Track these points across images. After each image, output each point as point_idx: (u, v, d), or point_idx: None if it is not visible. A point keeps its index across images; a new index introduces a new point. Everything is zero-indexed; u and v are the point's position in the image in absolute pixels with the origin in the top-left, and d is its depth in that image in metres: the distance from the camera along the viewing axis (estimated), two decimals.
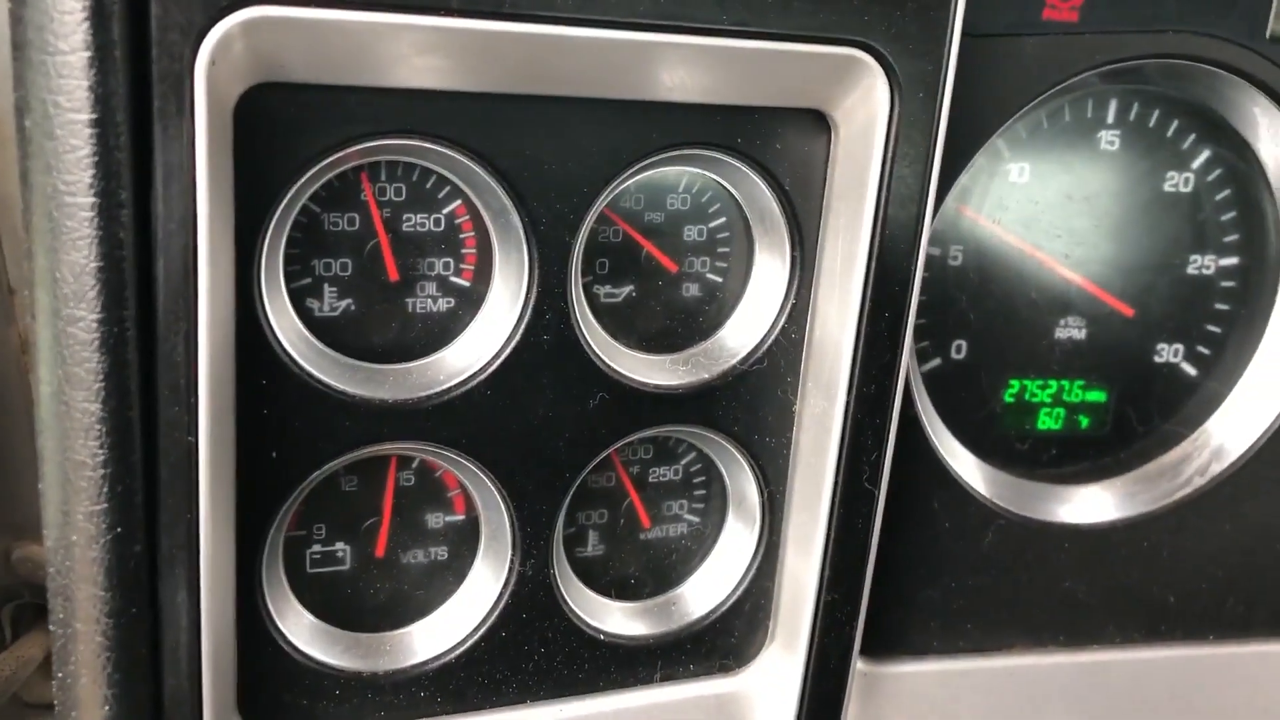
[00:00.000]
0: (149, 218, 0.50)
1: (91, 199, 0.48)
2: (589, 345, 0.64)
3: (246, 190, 0.55)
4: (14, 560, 0.93)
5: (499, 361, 0.62)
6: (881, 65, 0.60)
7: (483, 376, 0.62)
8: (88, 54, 0.46)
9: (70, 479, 0.51)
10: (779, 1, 0.57)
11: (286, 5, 0.49)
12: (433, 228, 0.63)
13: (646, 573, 0.74)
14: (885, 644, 0.77)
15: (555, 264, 0.62)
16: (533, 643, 0.68)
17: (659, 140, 0.62)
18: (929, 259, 0.75)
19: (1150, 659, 0.81)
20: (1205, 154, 0.77)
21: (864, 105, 0.62)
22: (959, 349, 0.77)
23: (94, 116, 0.47)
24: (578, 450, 0.66)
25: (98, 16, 0.46)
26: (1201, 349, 0.81)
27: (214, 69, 0.49)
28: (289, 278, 0.60)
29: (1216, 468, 0.79)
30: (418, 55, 0.54)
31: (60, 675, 0.55)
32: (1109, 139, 0.76)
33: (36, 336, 0.51)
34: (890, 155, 0.62)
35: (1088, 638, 0.80)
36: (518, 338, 0.62)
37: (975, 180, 0.74)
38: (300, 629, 0.64)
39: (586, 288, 0.67)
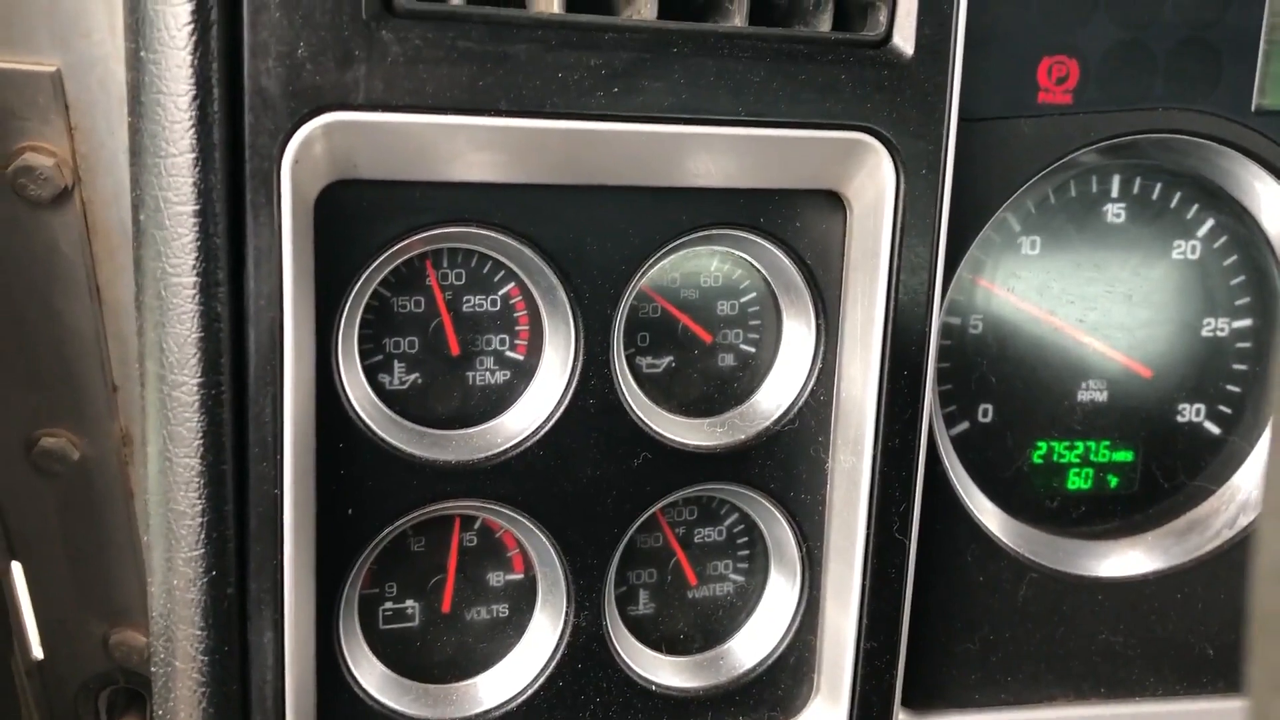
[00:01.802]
0: (242, 295, 0.57)
1: (194, 278, 0.56)
2: (631, 409, 0.70)
3: (325, 274, 0.63)
4: (111, 645, 1.00)
5: (550, 424, 0.69)
6: (886, 147, 0.67)
7: (536, 438, 0.68)
8: (193, 155, 0.55)
9: (172, 528, 0.58)
10: (788, 93, 0.65)
11: (357, 111, 0.58)
12: (489, 308, 0.70)
13: (695, 628, 0.78)
14: (927, 696, 0.80)
15: (599, 335, 0.69)
16: (589, 693, 0.73)
17: (688, 222, 0.69)
18: (950, 328, 0.80)
19: (1194, 711, 0.83)
20: (1209, 223, 0.83)
21: (872, 184, 0.68)
22: (985, 413, 0.82)
23: (196, 208, 0.55)
24: (625, 506, 0.71)
25: (201, 124, 0.55)
26: (1223, 408, 0.85)
27: (297, 166, 0.57)
28: (364, 354, 0.67)
29: (1244, 520, 0.82)
30: (472, 152, 0.62)
31: (160, 713, 0.61)
32: (1115, 211, 0.82)
33: (144, 402, 0.58)
34: (899, 228, 0.68)
35: (1129, 690, 0.82)
36: (566, 402, 0.69)
37: (989, 254, 0.80)
38: (374, 678, 0.69)
39: (630, 359, 0.73)
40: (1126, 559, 0.83)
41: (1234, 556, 0.82)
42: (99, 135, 0.78)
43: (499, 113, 0.60)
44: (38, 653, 1.00)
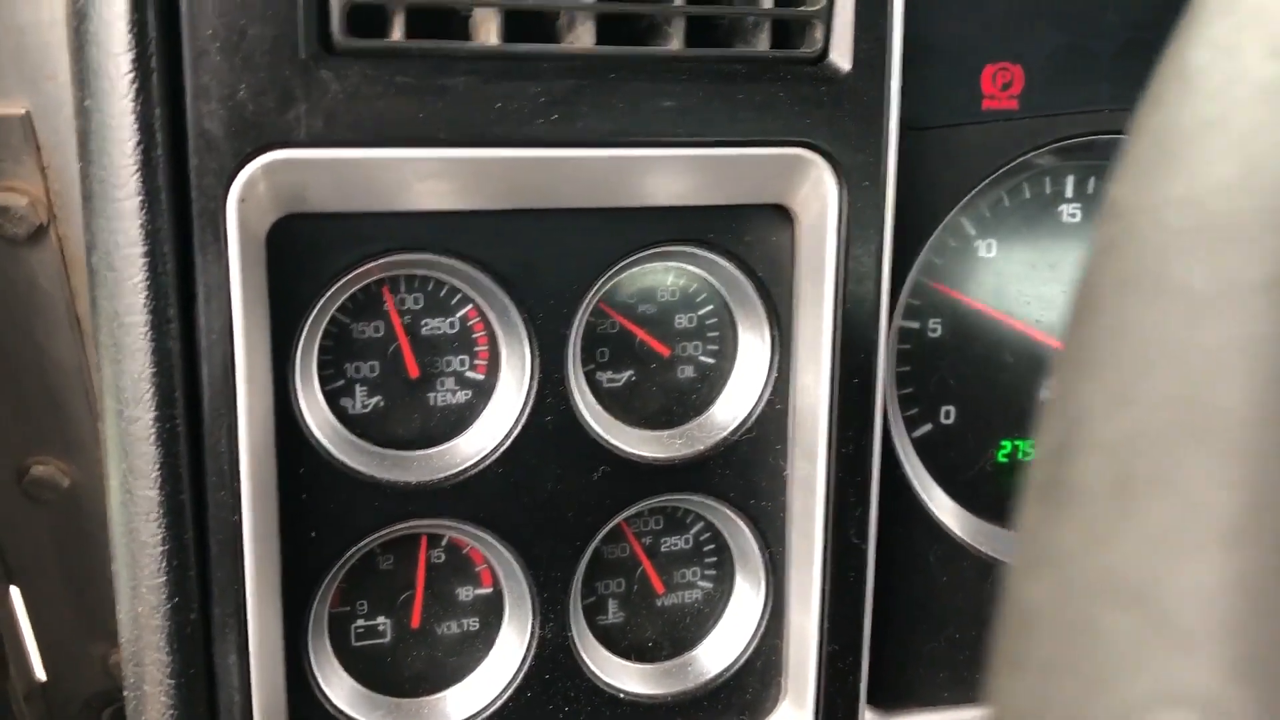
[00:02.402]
0: (194, 331, 0.60)
1: (145, 317, 0.58)
2: (589, 424, 0.72)
3: (280, 305, 0.65)
4: (111, 664, 1.03)
5: (508, 443, 0.70)
6: (827, 161, 0.68)
7: (495, 457, 0.70)
8: (139, 199, 0.57)
9: (135, 557, 0.60)
10: (727, 113, 0.66)
11: (299, 148, 0.59)
12: (448, 330, 0.72)
13: (663, 636, 0.80)
14: (895, 696, 0.81)
15: (554, 354, 0.70)
16: (557, 702, 0.74)
17: (638, 241, 0.70)
18: (909, 333, 0.81)
19: None
20: None
21: (816, 197, 0.70)
22: (947, 414, 0.83)
23: (144, 249, 0.57)
24: (586, 520, 0.73)
25: (146, 168, 0.57)
26: None
27: (243, 204, 0.59)
28: (326, 379, 0.69)
29: None
30: (418, 182, 0.64)
31: None
32: (1070, 211, 0.83)
33: (105, 437, 0.61)
34: (844, 239, 0.70)
35: None
36: (524, 420, 0.70)
37: (945, 258, 0.81)
38: (345, 695, 0.71)
39: (590, 374, 0.75)
40: None
41: None
42: (71, 173, 0.80)
43: (440, 143, 0.62)
44: (41, 674, 1.03)
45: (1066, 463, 0.21)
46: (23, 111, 0.78)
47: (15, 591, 0.97)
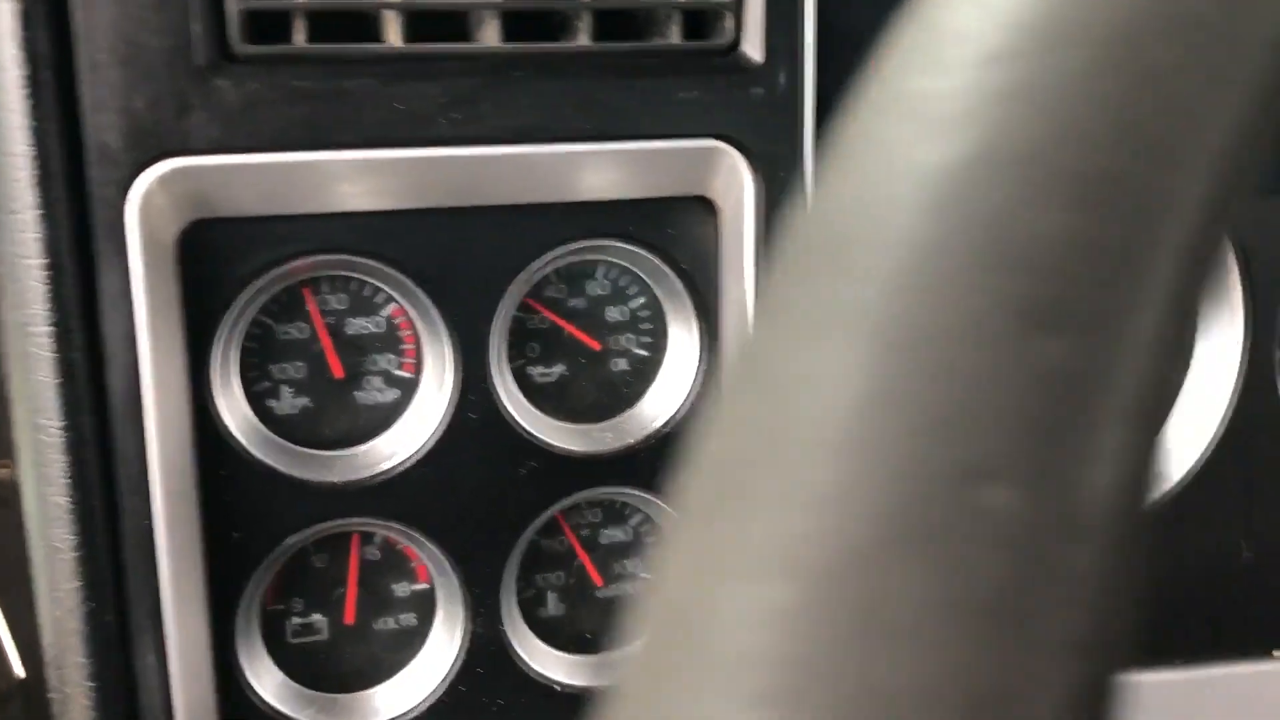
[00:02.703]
0: (99, 341, 0.60)
1: (48, 328, 0.59)
2: (514, 420, 0.72)
3: (195, 310, 0.65)
4: None
5: (432, 441, 0.71)
6: (741, 152, 0.68)
7: (419, 455, 0.71)
8: (37, 211, 0.58)
9: (50, 562, 0.62)
10: (635, 107, 0.66)
11: (198, 155, 0.60)
12: (374, 329, 0.72)
13: (602, 628, 0.80)
14: None
15: (476, 351, 0.70)
16: (490, 695, 0.75)
17: (557, 236, 0.70)
18: None
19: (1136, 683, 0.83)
20: None
21: (733, 189, 0.69)
22: None
23: (45, 262, 0.58)
24: (514, 515, 0.73)
25: (43, 181, 0.57)
26: None
27: (145, 213, 0.60)
28: (253, 380, 0.70)
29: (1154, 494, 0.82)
30: (326, 185, 0.64)
31: None
32: None
33: (18, 445, 0.61)
34: (763, 230, 0.69)
35: None
36: (448, 419, 0.71)
37: None
38: (275, 692, 0.72)
39: (520, 369, 0.75)
40: None
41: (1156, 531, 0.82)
42: None
43: (341, 146, 0.62)
44: (20, 671, 1.05)
45: (682, 479, 0.21)
46: None
47: None
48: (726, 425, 0.21)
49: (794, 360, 0.20)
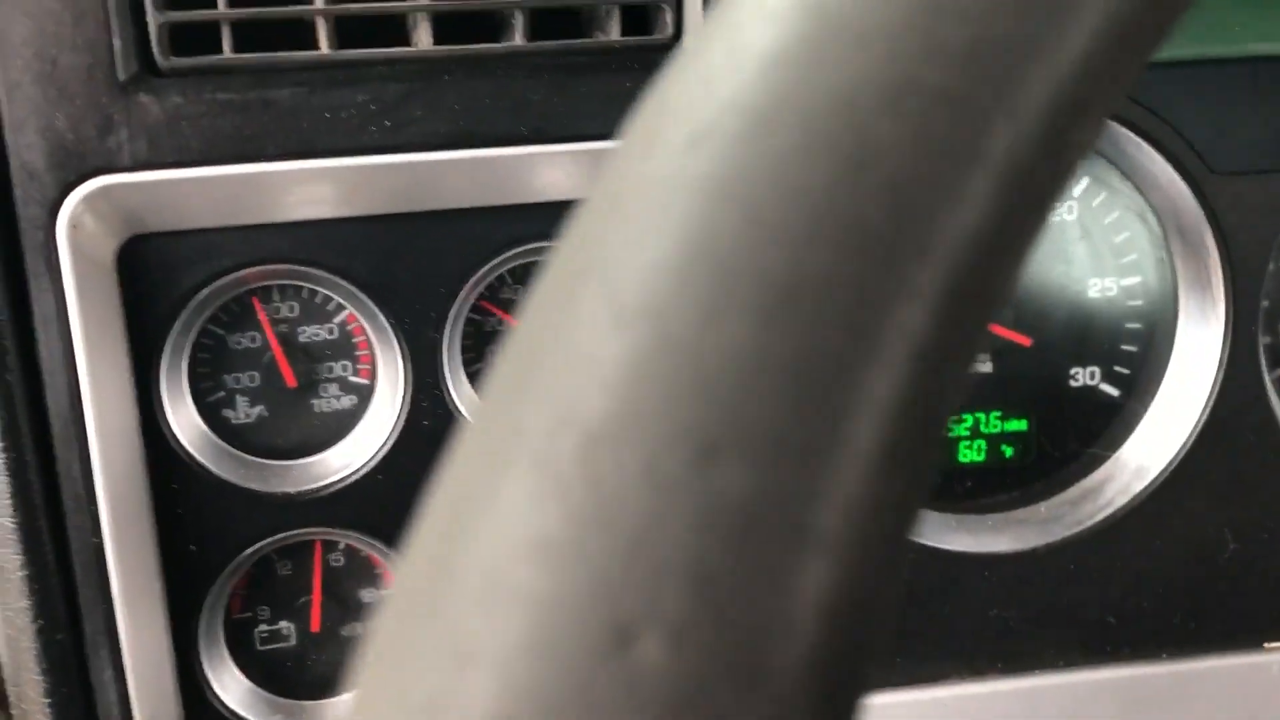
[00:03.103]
0: (36, 362, 0.60)
1: None
2: None
3: (140, 324, 0.65)
4: None
5: (385, 450, 0.70)
6: None
7: (372, 464, 0.70)
8: None
9: (1, 582, 0.62)
10: (570, 107, 0.64)
11: (124, 173, 0.59)
12: (327, 336, 0.71)
13: None
14: None
15: (427, 358, 0.70)
16: None
17: (504, 239, 0.69)
18: None
19: (1097, 680, 0.81)
20: (1084, 181, 0.79)
21: None
22: None
23: None
24: None
25: None
26: (1120, 369, 0.82)
27: (75, 232, 0.59)
28: (205, 392, 0.70)
29: (1137, 486, 0.80)
30: (260, 196, 0.64)
31: None
32: None
33: None
34: None
35: (1026, 663, 0.81)
36: (400, 427, 0.70)
37: None
38: (241, 699, 0.73)
39: (477, 374, 0.74)
40: (1017, 531, 0.81)
41: (1129, 524, 0.80)
42: None
43: (268, 158, 0.61)
44: None
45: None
46: None
47: None
48: (412, 563, 0.20)
49: (472, 492, 0.19)
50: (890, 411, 0.18)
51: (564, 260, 0.21)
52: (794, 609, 0.17)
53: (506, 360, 0.20)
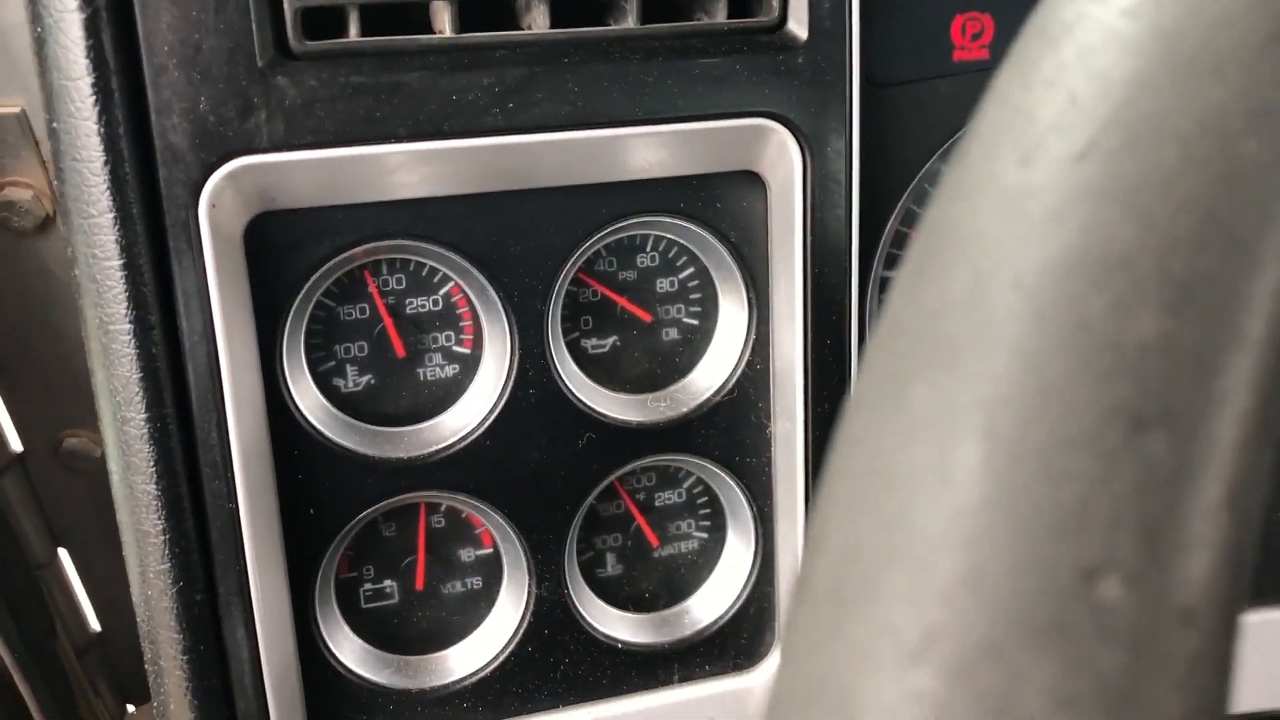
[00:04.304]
0: (178, 334, 0.63)
1: (128, 325, 0.61)
2: (572, 393, 0.74)
3: (263, 299, 0.67)
4: None
5: (493, 416, 0.73)
6: (789, 129, 0.69)
7: (481, 430, 0.73)
8: (112, 215, 0.60)
9: (141, 547, 0.65)
10: (684, 88, 0.67)
11: (262, 154, 0.62)
12: (432, 308, 0.74)
13: (660, 586, 0.83)
14: None
15: (533, 329, 0.73)
16: (557, 655, 0.78)
17: (608, 215, 0.72)
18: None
19: None
20: None
21: (782, 164, 0.70)
22: None
23: (122, 262, 0.60)
24: (575, 484, 0.76)
25: (116, 185, 0.59)
26: None
27: (214, 211, 0.62)
28: (317, 362, 0.72)
29: None
30: (384, 176, 0.66)
31: (155, 705, 0.68)
32: None
33: (104, 436, 0.64)
34: (810, 204, 0.71)
35: None
36: (507, 395, 0.73)
37: (926, 206, 0.81)
38: (354, 656, 0.76)
39: (574, 342, 0.77)
40: None
41: None
42: None
43: (398, 139, 0.64)
44: (96, 626, 1.10)
45: (808, 560, 0.23)
46: (18, 109, 0.81)
47: (64, 553, 1.04)
48: (852, 512, 0.23)
49: (915, 455, 0.22)
50: (1255, 405, 0.21)
51: (957, 257, 0.24)
52: (1211, 558, 0.20)
53: (905, 341, 0.23)
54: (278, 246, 0.67)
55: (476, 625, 0.79)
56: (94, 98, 0.58)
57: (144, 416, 0.62)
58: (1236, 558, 0.21)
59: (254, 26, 0.60)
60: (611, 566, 0.82)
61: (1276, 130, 0.22)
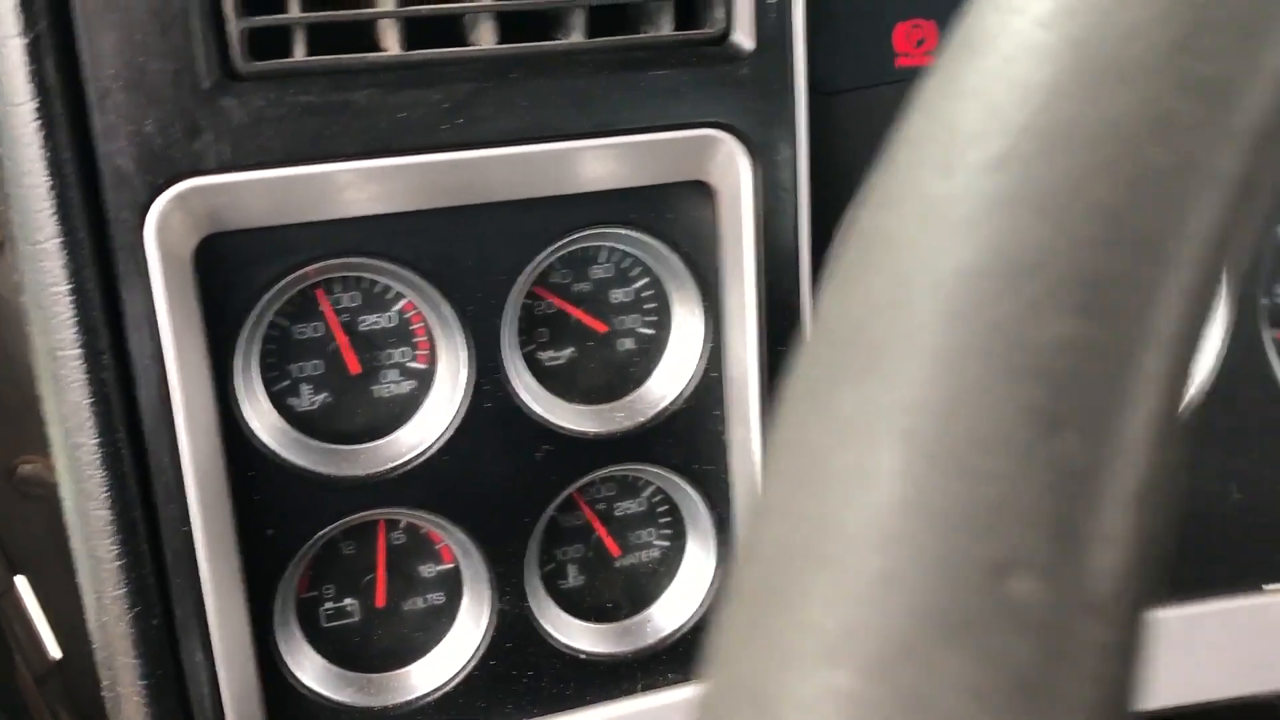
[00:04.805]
0: (128, 359, 0.62)
1: (77, 350, 0.61)
2: (528, 406, 0.74)
3: (216, 319, 0.67)
4: None
5: (451, 431, 0.73)
6: (737, 138, 0.70)
7: (438, 446, 0.73)
8: (59, 240, 0.59)
9: (95, 571, 0.64)
10: (631, 101, 0.67)
11: (209, 175, 0.61)
12: (387, 324, 0.74)
13: (622, 596, 0.83)
14: None
15: (487, 342, 0.73)
16: (520, 668, 0.78)
17: (560, 228, 0.72)
18: None
19: None
20: None
21: (730, 173, 0.71)
22: None
23: (70, 287, 0.60)
24: (534, 497, 0.76)
25: (63, 209, 0.59)
26: None
27: (162, 234, 0.61)
28: (272, 381, 0.72)
29: None
30: (334, 193, 0.66)
31: None
32: None
33: (56, 462, 0.64)
34: (760, 211, 0.71)
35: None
36: (464, 409, 0.73)
37: None
38: (317, 675, 0.76)
39: (530, 355, 0.77)
40: None
41: None
42: None
43: (347, 157, 0.64)
44: (56, 653, 1.09)
45: (739, 563, 0.24)
46: None
47: (21, 581, 1.03)
48: (780, 515, 0.23)
49: (840, 458, 0.22)
50: (1165, 403, 0.22)
51: (881, 264, 0.24)
52: (1121, 552, 0.21)
53: (832, 346, 0.24)
54: (228, 267, 0.67)
55: (439, 641, 0.79)
56: (37, 123, 0.58)
57: (95, 442, 0.62)
58: (1146, 552, 0.22)
59: (199, 48, 0.60)
60: (573, 578, 0.82)
61: (1180, 136, 0.23)
